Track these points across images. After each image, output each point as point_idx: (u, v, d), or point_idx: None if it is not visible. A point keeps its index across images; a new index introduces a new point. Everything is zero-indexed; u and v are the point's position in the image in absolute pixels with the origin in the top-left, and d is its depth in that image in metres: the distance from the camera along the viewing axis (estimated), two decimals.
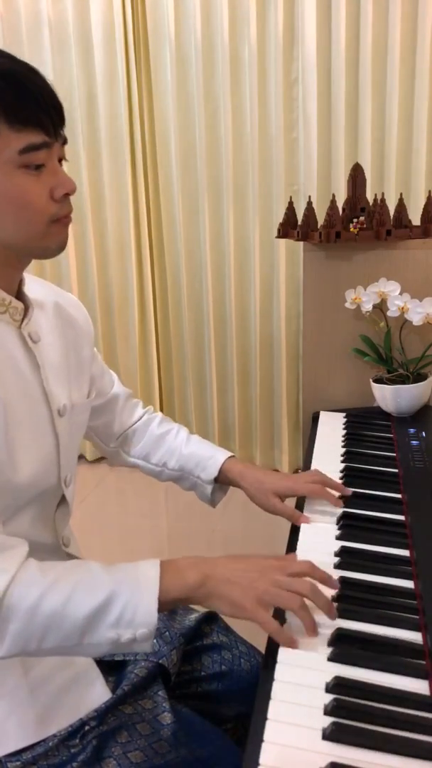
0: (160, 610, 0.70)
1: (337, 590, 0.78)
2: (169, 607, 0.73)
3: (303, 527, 0.98)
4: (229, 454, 1.08)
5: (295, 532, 0.97)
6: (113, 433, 1.12)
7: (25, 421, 0.79)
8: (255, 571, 0.74)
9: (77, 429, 0.94)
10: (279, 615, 0.75)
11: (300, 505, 1.04)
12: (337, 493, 1.03)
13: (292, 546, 0.93)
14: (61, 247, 0.79)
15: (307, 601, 0.73)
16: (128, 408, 1.14)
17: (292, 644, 0.70)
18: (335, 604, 0.77)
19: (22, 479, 0.78)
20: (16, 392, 0.79)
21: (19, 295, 0.84)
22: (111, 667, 0.89)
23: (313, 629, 0.72)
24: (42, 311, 0.89)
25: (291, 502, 1.05)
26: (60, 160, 0.77)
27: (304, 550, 0.91)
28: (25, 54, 2.57)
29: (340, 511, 1.00)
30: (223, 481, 1.08)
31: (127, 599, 0.69)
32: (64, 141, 0.77)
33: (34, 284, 0.90)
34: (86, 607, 0.68)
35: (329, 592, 0.77)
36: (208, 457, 1.07)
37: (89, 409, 0.99)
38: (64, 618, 0.68)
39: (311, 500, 1.04)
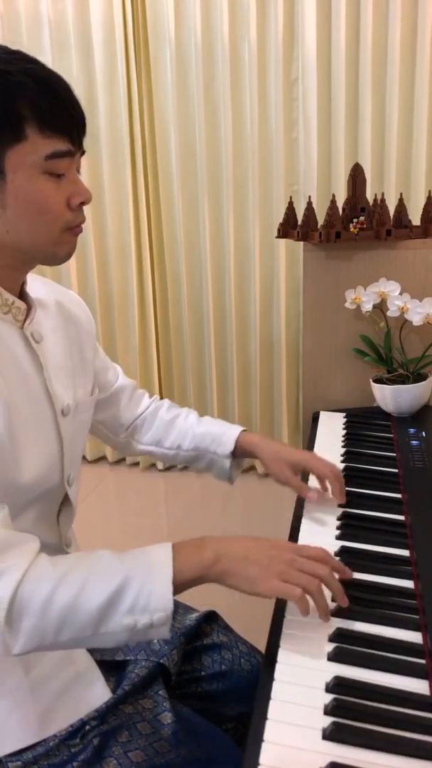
0: (175, 592, 0.69)
1: (351, 578, 0.80)
2: (184, 588, 0.72)
3: (303, 528, 0.97)
4: (242, 428, 1.10)
5: (295, 532, 0.97)
6: (122, 424, 1.13)
7: (29, 421, 0.80)
8: (271, 549, 0.74)
9: (81, 428, 0.94)
10: (279, 608, 0.75)
11: (301, 503, 1.04)
12: (333, 501, 1.04)
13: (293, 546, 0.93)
14: (69, 255, 0.80)
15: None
16: (135, 399, 1.15)
17: (306, 611, 0.71)
18: (335, 604, 0.77)
19: (26, 480, 0.78)
20: (20, 393, 0.79)
21: (22, 295, 0.84)
22: (111, 666, 0.89)
23: (326, 613, 0.73)
24: (45, 310, 0.90)
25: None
26: (77, 170, 0.79)
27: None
28: None
29: (340, 511, 1.00)
30: (239, 454, 1.09)
31: (141, 584, 0.68)
32: (83, 152, 0.79)
33: (36, 283, 0.91)
34: (100, 597, 0.67)
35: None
36: (222, 432, 1.09)
37: (93, 407, 0.99)
38: (78, 609, 0.67)
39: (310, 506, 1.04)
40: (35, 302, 0.86)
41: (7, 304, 0.80)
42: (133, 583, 0.68)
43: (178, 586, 0.70)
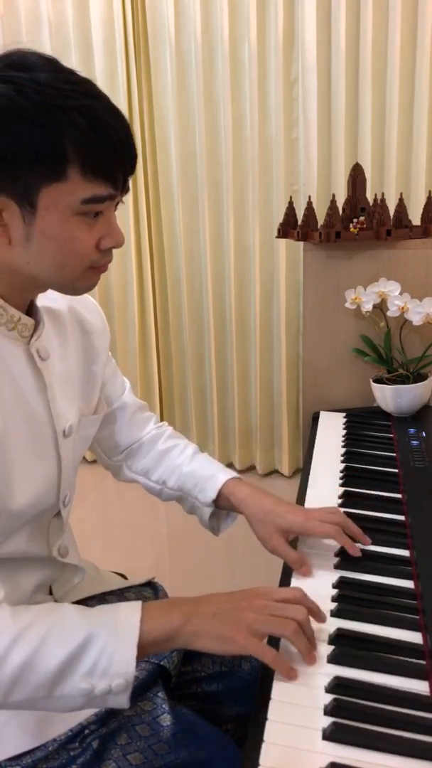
0: (139, 656, 0.65)
1: (324, 623, 0.74)
2: (149, 652, 0.68)
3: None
4: (233, 474, 0.97)
5: None
6: (118, 445, 1.05)
7: (26, 446, 0.77)
8: (241, 601, 0.70)
9: (82, 445, 0.91)
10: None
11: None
12: (357, 546, 0.89)
13: (292, 546, 0.93)
14: (89, 289, 0.77)
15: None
16: (138, 421, 1.06)
17: (291, 674, 0.66)
18: (335, 604, 0.77)
19: (19, 506, 0.76)
20: (18, 417, 0.76)
21: (30, 309, 0.81)
22: None
23: (311, 656, 0.68)
24: (55, 320, 0.87)
25: None
26: (116, 204, 0.74)
27: (305, 550, 0.91)
28: None
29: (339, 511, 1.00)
30: (224, 506, 0.97)
31: (104, 645, 0.64)
32: (127, 190, 0.74)
33: (49, 292, 0.88)
34: (58, 656, 0.64)
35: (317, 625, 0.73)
36: (208, 476, 0.96)
37: (97, 424, 0.95)
38: (34, 668, 0.63)
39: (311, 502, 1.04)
40: (45, 313, 0.83)
41: (13, 320, 0.77)
42: (95, 643, 0.64)
43: (143, 649, 0.66)
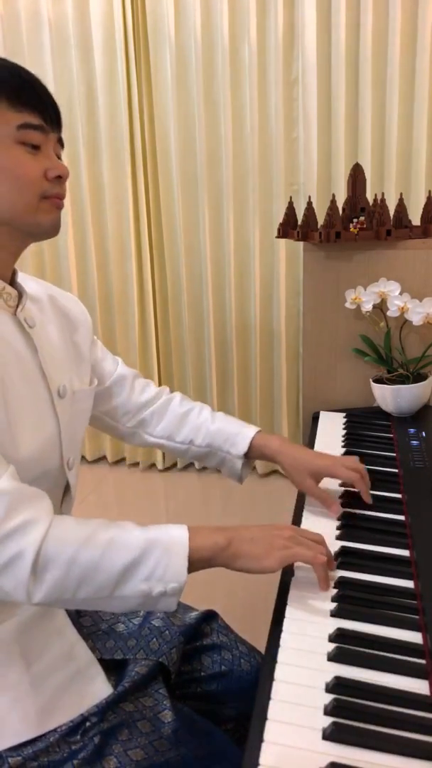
0: (189, 569, 0.73)
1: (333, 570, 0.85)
2: (196, 568, 0.76)
3: (303, 528, 0.97)
4: (257, 428, 1.08)
5: None
6: (127, 411, 1.11)
7: (25, 401, 0.81)
8: (273, 530, 0.80)
9: (80, 415, 0.95)
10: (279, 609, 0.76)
11: (301, 503, 1.04)
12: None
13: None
14: (54, 226, 0.82)
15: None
16: (138, 387, 1.12)
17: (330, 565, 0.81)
18: (335, 604, 0.77)
19: (24, 456, 0.79)
20: (15, 372, 0.80)
21: (12, 284, 0.86)
22: (111, 666, 0.89)
23: (326, 582, 0.79)
24: (36, 304, 0.91)
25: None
26: (57, 156, 0.82)
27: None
28: (25, 54, 2.57)
29: (340, 510, 1.00)
30: (254, 456, 1.08)
31: (161, 555, 0.73)
32: (61, 141, 0.83)
33: (28, 281, 0.92)
34: (122, 561, 0.71)
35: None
36: (237, 432, 1.07)
37: (92, 397, 1.00)
38: (100, 569, 0.71)
39: (312, 500, 1.04)
40: (27, 295, 0.88)
41: None
42: (153, 553, 0.72)
43: (193, 564, 0.74)
